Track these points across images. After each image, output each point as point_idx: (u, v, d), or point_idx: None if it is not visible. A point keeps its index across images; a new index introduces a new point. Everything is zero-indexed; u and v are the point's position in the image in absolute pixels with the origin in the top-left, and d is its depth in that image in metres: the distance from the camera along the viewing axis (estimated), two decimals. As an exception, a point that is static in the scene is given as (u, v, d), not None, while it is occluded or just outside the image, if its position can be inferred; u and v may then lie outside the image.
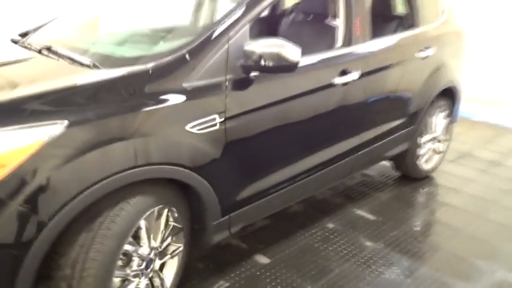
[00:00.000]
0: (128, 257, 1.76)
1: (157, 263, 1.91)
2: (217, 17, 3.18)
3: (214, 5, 3.25)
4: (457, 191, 3.49)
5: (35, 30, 2.67)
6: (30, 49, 2.20)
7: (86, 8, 2.94)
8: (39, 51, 2.11)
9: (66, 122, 1.49)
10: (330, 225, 2.88)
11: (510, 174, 3.85)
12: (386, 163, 3.61)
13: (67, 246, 1.55)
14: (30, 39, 2.47)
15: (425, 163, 3.56)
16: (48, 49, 2.10)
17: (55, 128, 1.47)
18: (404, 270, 2.46)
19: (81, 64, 1.87)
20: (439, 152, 3.71)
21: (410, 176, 3.61)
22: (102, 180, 1.53)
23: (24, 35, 2.61)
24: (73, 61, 1.92)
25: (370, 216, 3.03)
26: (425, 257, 2.61)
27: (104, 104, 1.61)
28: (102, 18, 2.95)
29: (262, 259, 2.48)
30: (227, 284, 2.26)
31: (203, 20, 3.23)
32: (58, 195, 1.46)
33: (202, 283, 2.26)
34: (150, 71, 1.74)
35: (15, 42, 2.45)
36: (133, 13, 3.06)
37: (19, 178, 1.40)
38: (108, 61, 1.93)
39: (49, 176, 1.44)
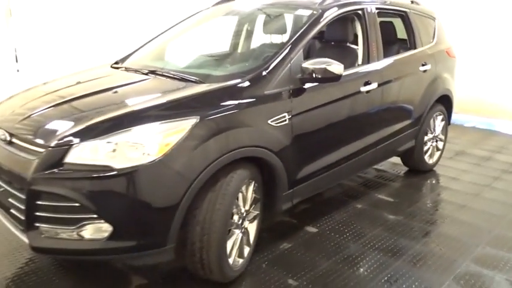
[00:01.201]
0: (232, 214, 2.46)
1: (246, 223, 2.61)
2: (254, 44, 4.02)
3: (250, 35, 4.07)
4: (456, 179, 4.26)
5: (124, 59, 3.43)
6: (136, 72, 2.96)
7: (154, 39, 3.72)
8: (147, 74, 2.87)
9: (198, 117, 2.23)
10: (359, 206, 3.61)
11: (498, 165, 4.64)
12: (395, 161, 4.37)
13: (200, 202, 2.26)
14: (125, 65, 3.24)
15: (429, 157, 4.34)
16: (153, 72, 2.87)
17: (193, 121, 2.21)
18: (421, 232, 3.20)
19: (190, 81, 2.63)
20: (439, 149, 4.49)
21: (416, 169, 4.37)
22: (222, 155, 2.26)
23: (118, 62, 3.37)
24: (182, 79, 2.67)
25: (389, 199, 3.77)
26: (437, 223, 3.36)
27: (218, 105, 2.36)
28: (168, 47, 3.71)
29: (311, 229, 3.20)
30: (290, 245, 2.97)
31: (243, 47, 4.03)
32: (198, 165, 2.18)
33: (271, 244, 2.95)
34: (245, 84, 2.51)
35: (116, 68, 3.20)
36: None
37: (177, 152, 2.13)
38: (208, 78, 2.69)
39: (192, 152, 2.17)
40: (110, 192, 2.07)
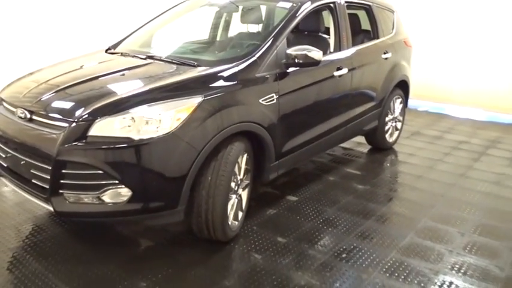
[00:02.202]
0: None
1: (240, 190, 2.98)
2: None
3: (236, 24, 4.39)
4: (413, 155, 4.82)
5: (115, 45, 3.68)
6: (134, 57, 3.23)
7: (141, 27, 3.98)
8: (145, 58, 3.16)
9: (203, 96, 2.57)
10: (331, 178, 4.07)
11: (448, 143, 5.26)
12: (359, 140, 4.87)
13: (205, 170, 2.60)
14: (119, 50, 3.49)
15: (389, 136, 4.87)
16: (151, 57, 3.17)
17: (199, 99, 2.54)
18: (385, 198, 3.70)
19: (189, 65, 2.95)
20: (398, 129, 5.04)
21: (378, 147, 4.90)
22: (223, 129, 2.61)
23: (110, 48, 3.62)
24: (181, 64, 2.98)
25: (357, 172, 4.26)
26: (398, 191, 3.89)
27: (218, 86, 2.71)
28: (155, 35, 3.98)
29: (292, 198, 3.61)
30: (275, 211, 3.37)
31: (231, 35, 4.33)
32: (204, 137, 2.52)
33: (258, 211, 3.34)
34: (240, 67, 2.86)
35: (111, 53, 3.46)
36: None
37: (186, 126, 2.46)
38: (204, 62, 3.02)
39: (199, 126, 2.51)
40: (129, 161, 2.37)
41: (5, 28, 5.12)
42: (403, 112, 5.06)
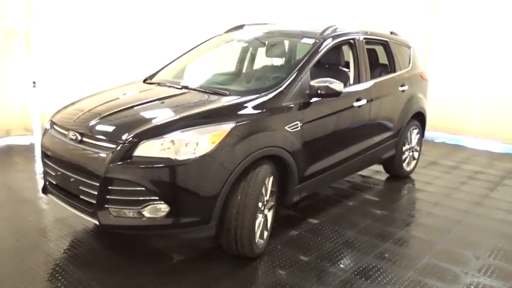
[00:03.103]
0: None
1: (266, 211, 3.20)
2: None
3: (254, 58, 4.72)
4: (429, 183, 4.98)
5: (152, 76, 4.03)
6: (171, 87, 3.56)
7: (175, 60, 4.33)
8: (181, 88, 3.47)
9: (235, 122, 2.84)
10: (350, 203, 4.26)
11: (464, 173, 5.41)
12: (377, 169, 5.07)
13: (236, 189, 2.84)
14: (155, 81, 3.83)
15: (406, 165, 5.05)
16: (186, 87, 3.48)
17: (232, 125, 2.81)
18: (403, 223, 3.87)
19: (221, 94, 3.25)
20: (415, 159, 5.22)
21: (396, 176, 5.08)
22: (253, 152, 2.87)
23: (147, 78, 3.96)
24: (213, 93, 3.29)
25: (375, 198, 4.45)
26: (416, 216, 4.05)
27: (249, 113, 2.98)
28: (187, 66, 4.32)
29: (313, 221, 3.81)
30: (297, 232, 3.57)
31: (248, 67, 4.66)
32: (236, 159, 2.78)
33: (282, 231, 3.54)
34: (268, 97, 3.14)
35: (149, 83, 3.80)
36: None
37: (220, 149, 2.72)
38: (234, 92, 3.32)
39: (231, 149, 2.77)
40: (169, 179, 2.63)
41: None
42: (420, 142, 5.25)
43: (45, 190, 3.21)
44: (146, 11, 6.40)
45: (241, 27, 4.59)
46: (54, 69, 5.86)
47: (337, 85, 3.33)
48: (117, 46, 6.15)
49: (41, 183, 4.37)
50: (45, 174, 3.19)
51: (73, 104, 3.41)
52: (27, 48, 5.71)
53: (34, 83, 5.89)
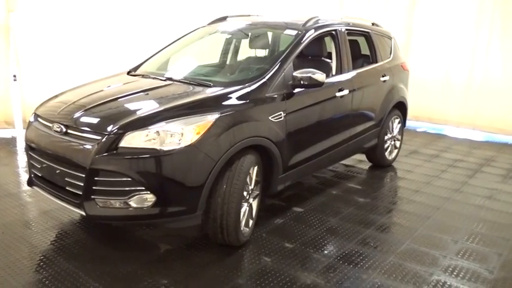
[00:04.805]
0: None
1: (251, 200, 3.25)
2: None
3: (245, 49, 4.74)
4: (411, 171, 5.10)
5: (136, 68, 4.03)
6: (155, 78, 3.57)
7: (158, 52, 4.34)
8: (165, 80, 3.49)
9: (219, 113, 2.88)
10: (334, 192, 4.35)
11: (445, 161, 5.55)
12: (360, 158, 5.17)
13: (221, 179, 2.89)
14: (139, 73, 3.84)
15: (388, 154, 5.16)
16: (170, 79, 3.50)
17: (216, 115, 2.86)
18: (385, 210, 3.97)
19: (205, 86, 3.28)
20: (396, 148, 5.34)
21: (378, 164, 5.18)
22: (237, 142, 2.92)
23: (131, 70, 3.96)
24: (198, 84, 3.32)
25: (358, 186, 4.54)
26: (397, 203, 4.16)
27: (233, 104, 3.03)
28: (171, 58, 4.33)
29: (298, 209, 3.88)
30: (282, 220, 3.64)
31: (232, 59, 4.68)
32: (221, 149, 2.83)
33: (267, 220, 3.61)
34: (252, 88, 3.19)
35: (133, 75, 3.80)
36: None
37: (205, 140, 2.76)
38: (218, 83, 3.35)
39: (216, 139, 2.81)
40: (155, 169, 2.67)
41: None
42: (401, 131, 5.36)
43: (30, 182, 3.21)
44: (129, 3, 6.35)
45: (224, 18, 4.61)
46: (35, 62, 5.78)
47: (319, 76, 3.39)
48: (99, 38, 6.10)
49: (24, 176, 4.38)
50: (30, 166, 3.19)
51: (56, 96, 3.40)
52: (7, 40, 5.63)
53: (15, 76, 5.81)
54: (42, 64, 5.81)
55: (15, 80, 5.78)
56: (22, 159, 5.00)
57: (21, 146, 5.47)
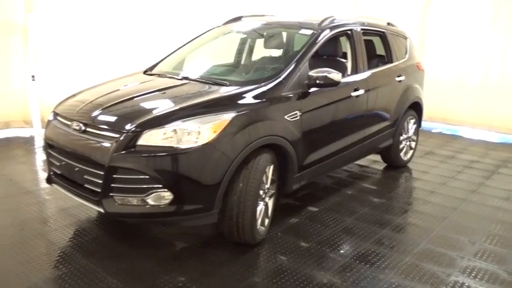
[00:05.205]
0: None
1: (267, 198, 3.26)
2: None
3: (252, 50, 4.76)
4: (426, 172, 5.06)
5: (152, 68, 4.07)
6: (171, 78, 3.60)
7: (174, 52, 4.37)
8: (181, 79, 3.52)
9: (236, 112, 2.90)
10: (349, 192, 4.33)
11: (460, 162, 5.50)
12: (375, 158, 5.14)
13: (237, 177, 2.90)
14: (155, 72, 3.88)
15: (404, 155, 5.13)
16: (186, 78, 3.53)
17: (233, 114, 2.87)
18: (400, 210, 3.95)
19: (221, 85, 3.30)
20: (412, 148, 5.30)
21: (393, 165, 5.15)
22: (254, 141, 2.92)
23: (147, 70, 4.00)
24: (214, 83, 3.34)
25: (373, 187, 4.52)
26: (412, 204, 4.14)
27: (249, 103, 3.04)
28: (187, 58, 4.36)
29: (313, 209, 3.88)
30: (297, 220, 3.64)
31: (246, 58, 4.69)
32: (237, 147, 2.84)
33: (282, 219, 3.61)
34: (268, 87, 3.19)
35: (149, 74, 3.84)
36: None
37: (222, 138, 2.77)
38: (234, 82, 3.37)
39: (232, 138, 2.83)
40: (172, 167, 2.69)
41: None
42: (416, 132, 5.32)
43: (49, 180, 3.26)
44: (145, 3, 6.41)
45: (239, 18, 4.62)
46: (53, 62, 5.87)
47: (335, 75, 3.39)
48: (115, 39, 6.17)
49: (41, 175, 4.44)
50: (49, 164, 3.24)
51: (75, 95, 3.45)
52: (26, 41, 5.72)
53: (33, 76, 5.91)
54: (59, 64, 5.89)
55: (33, 80, 5.86)
56: (39, 157, 5.07)
57: (38, 144, 5.56)
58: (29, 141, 5.69)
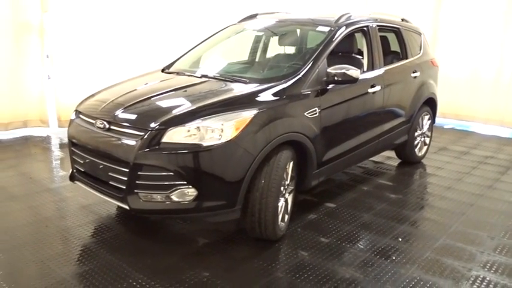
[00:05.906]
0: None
1: (287, 195, 3.29)
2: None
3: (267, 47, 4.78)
4: (441, 168, 5.07)
5: (169, 66, 4.11)
6: (190, 76, 3.64)
7: (191, 50, 4.41)
8: (200, 77, 3.56)
9: (257, 109, 2.93)
10: (365, 188, 4.35)
11: (474, 158, 5.49)
12: (389, 155, 5.15)
13: (259, 173, 2.93)
14: (174, 70, 3.92)
15: (418, 151, 5.13)
16: (205, 76, 3.57)
17: (254, 111, 2.90)
18: (417, 206, 3.96)
19: (241, 82, 3.33)
20: (426, 144, 5.30)
21: (408, 161, 5.16)
22: (275, 138, 2.96)
23: (165, 68, 4.04)
24: (233, 81, 3.37)
25: (389, 183, 4.54)
26: (429, 200, 4.14)
27: (268, 100, 3.07)
28: (203, 56, 4.40)
29: (330, 205, 3.91)
30: (315, 216, 3.67)
31: (262, 56, 4.72)
32: (259, 144, 2.87)
33: (300, 215, 3.64)
34: (288, 84, 3.22)
35: (168, 72, 3.88)
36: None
37: (244, 135, 2.81)
38: (253, 80, 3.40)
39: (254, 134, 2.86)
40: (196, 164, 2.73)
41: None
42: (431, 128, 5.32)
43: (72, 177, 3.31)
44: (161, 2, 6.45)
45: (254, 16, 4.65)
46: (69, 61, 5.94)
47: (353, 71, 3.41)
48: (130, 38, 6.23)
49: (60, 173, 4.51)
50: (72, 162, 3.30)
51: (95, 94, 3.49)
52: (42, 41, 5.79)
53: (49, 76, 5.98)
54: (75, 64, 5.96)
55: (49, 79, 5.94)
56: (57, 156, 5.14)
57: (55, 143, 5.63)
58: (45, 140, 5.77)
